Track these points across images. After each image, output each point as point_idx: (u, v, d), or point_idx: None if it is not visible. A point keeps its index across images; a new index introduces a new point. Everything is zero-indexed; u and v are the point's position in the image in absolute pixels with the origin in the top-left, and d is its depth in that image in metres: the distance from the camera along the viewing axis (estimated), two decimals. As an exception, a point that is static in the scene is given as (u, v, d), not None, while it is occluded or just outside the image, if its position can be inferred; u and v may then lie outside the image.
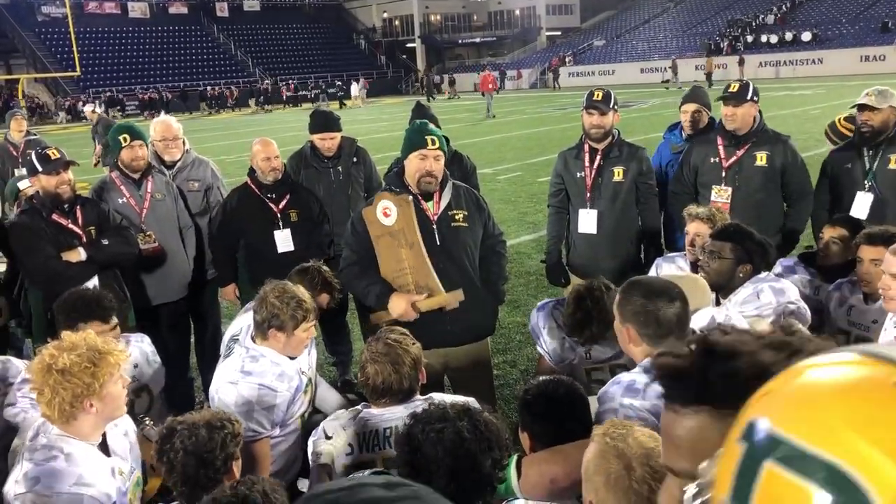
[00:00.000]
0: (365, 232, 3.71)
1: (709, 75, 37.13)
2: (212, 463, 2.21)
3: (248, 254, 4.91)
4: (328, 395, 3.79)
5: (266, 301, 3.11)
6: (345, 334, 5.62)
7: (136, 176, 4.80)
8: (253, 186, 4.81)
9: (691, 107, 5.10)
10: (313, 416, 3.47)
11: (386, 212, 3.64)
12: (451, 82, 48.61)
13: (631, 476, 1.65)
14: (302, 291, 3.22)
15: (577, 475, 2.24)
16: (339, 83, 49.08)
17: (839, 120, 5.32)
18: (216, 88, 47.32)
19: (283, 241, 4.74)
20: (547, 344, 3.45)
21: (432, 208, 3.72)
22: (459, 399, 2.37)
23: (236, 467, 2.29)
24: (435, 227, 3.68)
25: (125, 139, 4.75)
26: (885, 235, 3.40)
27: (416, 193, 3.69)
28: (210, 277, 5.12)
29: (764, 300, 3.25)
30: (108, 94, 44.91)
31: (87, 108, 14.55)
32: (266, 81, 50.15)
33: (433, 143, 3.64)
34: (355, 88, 45.72)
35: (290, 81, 50.05)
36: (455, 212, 3.76)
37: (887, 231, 3.45)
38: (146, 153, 4.83)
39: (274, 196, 4.79)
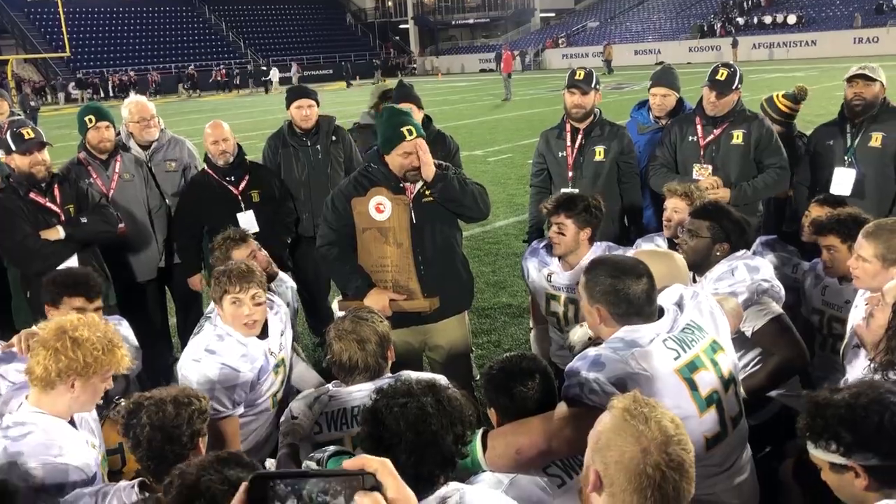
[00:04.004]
0: (345, 211, 3.67)
1: (608, 62, 37.95)
2: (178, 438, 2.22)
3: (211, 240, 4.83)
4: (307, 375, 3.78)
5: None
6: (328, 316, 5.61)
7: (104, 157, 4.79)
8: (210, 171, 4.76)
9: (661, 90, 5.06)
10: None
11: (379, 207, 3.59)
12: (377, 67, 48.28)
13: (646, 460, 1.60)
14: (238, 264, 3.23)
15: (543, 445, 2.25)
16: (265, 68, 46.30)
17: (777, 96, 5.27)
18: (143, 73, 45.09)
19: (247, 222, 4.69)
20: (527, 263, 4.07)
21: (410, 187, 3.67)
22: (426, 376, 2.36)
23: (203, 443, 2.29)
24: (411, 204, 3.64)
25: (90, 120, 4.73)
26: (830, 224, 3.49)
27: (398, 175, 3.63)
28: (179, 261, 5.09)
29: (738, 277, 3.26)
30: (96, 76, 44.36)
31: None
32: (269, 64, 49.85)
33: (410, 133, 3.55)
34: (275, 74, 43.35)
35: (291, 64, 49.56)
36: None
37: (835, 216, 3.51)
38: (112, 134, 4.80)
39: (233, 178, 4.75)
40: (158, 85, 43.60)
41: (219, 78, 46.60)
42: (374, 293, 3.58)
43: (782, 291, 3.34)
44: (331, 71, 49.65)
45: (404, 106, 4.35)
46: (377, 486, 0.95)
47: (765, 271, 3.31)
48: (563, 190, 4.66)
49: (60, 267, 4.05)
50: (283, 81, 42.60)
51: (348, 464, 0.99)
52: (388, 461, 0.99)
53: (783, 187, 4.70)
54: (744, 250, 3.47)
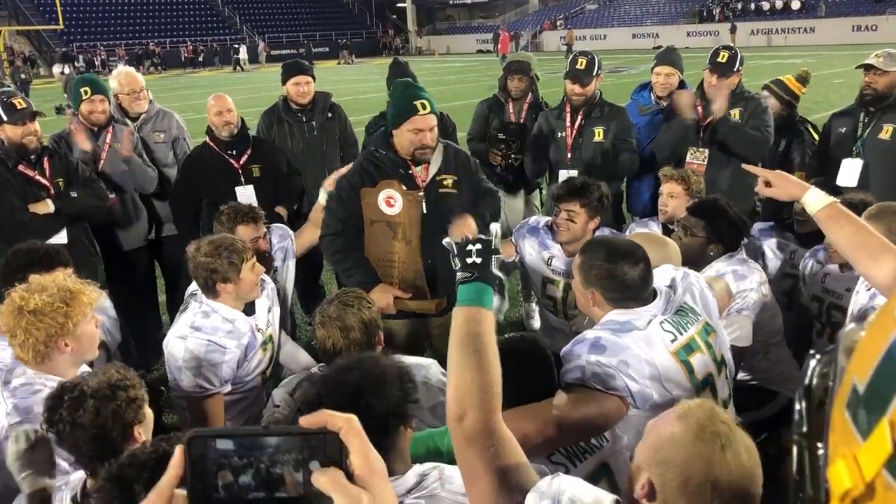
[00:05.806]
0: (351, 201, 3.53)
1: (569, 47, 38.96)
2: (105, 437, 1.97)
3: (210, 213, 4.71)
4: (297, 355, 3.72)
5: (198, 263, 3.02)
6: (321, 295, 5.57)
7: (96, 128, 4.75)
8: (212, 144, 4.69)
9: (664, 69, 5.00)
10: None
11: (390, 201, 3.46)
12: (343, 46, 47.40)
13: (713, 494, 1.49)
14: (228, 236, 3.14)
15: (551, 432, 2.19)
16: (236, 46, 45.02)
17: (788, 77, 5.17)
18: (111, 49, 44.17)
19: (245, 197, 4.59)
20: (523, 242, 3.81)
21: (421, 174, 3.52)
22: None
23: (142, 430, 2.05)
24: (423, 193, 3.50)
25: (86, 92, 4.71)
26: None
27: (407, 159, 3.48)
28: (168, 234, 5.07)
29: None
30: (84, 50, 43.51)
31: (56, 70, 14.20)
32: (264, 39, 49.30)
33: (424, 107, 3.36)
34: (244, 52, 42.77)
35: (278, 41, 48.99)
36: (444, 177, 3.57)
37: (844, 201, 3.43)
38: (106, 108, 4.77)
39: (234, 152, 4.67)
40: (127, 61, 41.12)
41: (185, 55, 45.74)
42: (379, 290, 3.44)
43: (767, 300, 3.33)
44: (327, 49, 49.18)
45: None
46: (340, 453, 0.82)
47: (751, 280, 3.28)
48: (564, 171, 4.62)
49: (49, 242, 3.99)
50: (251, 60, 42.50)
51: (306, 420, 0.83)
52: (354, 418, 0.84)
53: (758, 150, 4.45)
54: (741, 250, 3.46)
